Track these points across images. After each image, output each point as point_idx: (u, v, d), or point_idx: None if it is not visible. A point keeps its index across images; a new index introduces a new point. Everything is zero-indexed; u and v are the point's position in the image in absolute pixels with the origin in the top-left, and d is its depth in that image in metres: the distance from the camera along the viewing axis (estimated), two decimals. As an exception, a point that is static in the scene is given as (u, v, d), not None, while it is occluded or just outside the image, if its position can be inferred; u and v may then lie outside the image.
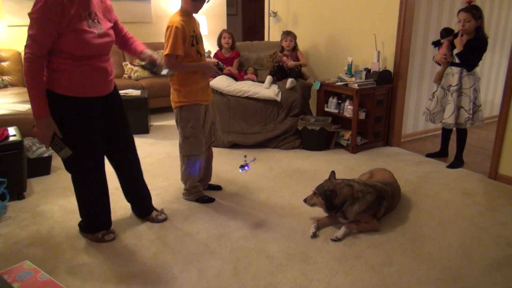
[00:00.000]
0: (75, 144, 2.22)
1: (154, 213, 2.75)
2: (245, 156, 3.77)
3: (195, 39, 2.68)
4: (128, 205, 2.81)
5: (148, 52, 2.51)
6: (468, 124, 3.50)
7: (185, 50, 2.61)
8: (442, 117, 3.59)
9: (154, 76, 5.58)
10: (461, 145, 3.69)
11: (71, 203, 2.91)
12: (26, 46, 2.01)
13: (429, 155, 3.98)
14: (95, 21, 2.15)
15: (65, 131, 2.19)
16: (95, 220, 2.49)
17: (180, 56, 2.60)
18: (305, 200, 2.65)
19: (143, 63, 2.57)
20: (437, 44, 3.65)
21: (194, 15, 2.74)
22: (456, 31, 3.47)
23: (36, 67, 2.03)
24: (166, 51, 2.58)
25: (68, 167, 2.34)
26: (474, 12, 3.29)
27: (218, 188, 3.22)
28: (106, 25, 2.22)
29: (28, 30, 2.00)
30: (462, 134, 3.65)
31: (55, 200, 3.01)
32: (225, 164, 3.74)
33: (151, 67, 2.57)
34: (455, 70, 3.46)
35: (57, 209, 2.88)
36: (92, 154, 2.33)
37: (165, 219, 2.74)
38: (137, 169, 2.65)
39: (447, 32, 3.54)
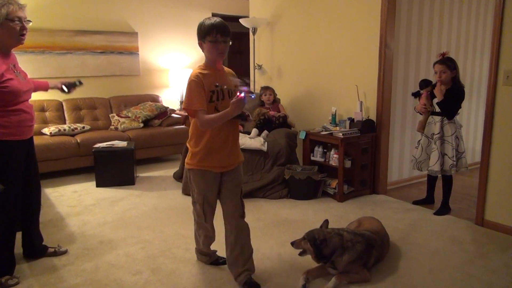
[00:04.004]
0: (6, 182, 2.36)
1: (50, 249, 2.83)
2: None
3: (216, 94, 2.31)
4: (114, 260, 2.70)
5: (55, 82, 2.81)
6: (452, 170, 3.56)
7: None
8: (428, 164, 3.66)
9: (141, 128, 5.61)
10: (447, 192, 3.73)
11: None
12: None
13: (415, 202, 4.00)
14: (17, 71, 2.39)
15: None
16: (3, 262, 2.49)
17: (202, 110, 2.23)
18: (292, 243, 2.59)
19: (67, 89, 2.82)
20: (416, 95, 3.78)
21: (222, 65, 2.50)
22: (434, 82, 3.62)
23: None
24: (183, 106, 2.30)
25: None
26: (449, 63, 3.47)
27: None
28: (24, 74, 2.47)
29: None
30: (447, 181, 3.71)
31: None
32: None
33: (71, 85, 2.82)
34: (437, 118, 3.57)
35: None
36: (15, 192, 2.46)
37: (66, 251, 2.87)
38: (38, 210, 2.80)
39: (425, 83, 3.68)
